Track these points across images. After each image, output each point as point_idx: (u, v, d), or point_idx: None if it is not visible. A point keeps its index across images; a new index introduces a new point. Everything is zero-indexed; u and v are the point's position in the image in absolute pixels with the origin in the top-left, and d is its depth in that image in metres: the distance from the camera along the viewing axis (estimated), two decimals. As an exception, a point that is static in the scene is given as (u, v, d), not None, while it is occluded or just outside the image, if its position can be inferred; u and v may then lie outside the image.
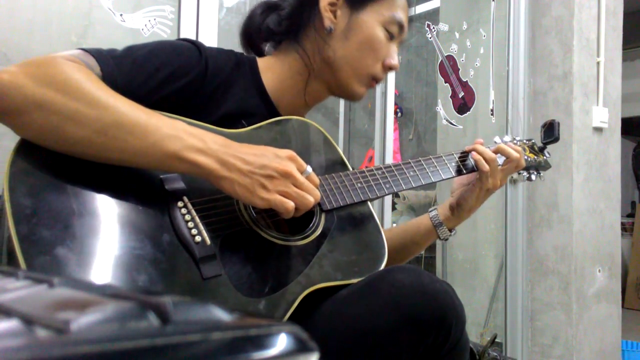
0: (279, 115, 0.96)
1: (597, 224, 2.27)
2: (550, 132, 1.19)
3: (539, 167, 1.19)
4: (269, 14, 1.00)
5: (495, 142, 1.13)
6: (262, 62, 0.97)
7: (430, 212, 1.10)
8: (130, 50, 0.81)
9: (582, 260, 2.19)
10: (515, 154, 1.05)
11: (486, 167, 1.03)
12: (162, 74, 0.81)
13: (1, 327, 0.24)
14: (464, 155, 1.07)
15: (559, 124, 1.18)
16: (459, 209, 1.07)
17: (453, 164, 1.05)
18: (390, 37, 0.95)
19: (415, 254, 1.14)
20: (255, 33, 1.01)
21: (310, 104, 1.01)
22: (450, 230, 1.08)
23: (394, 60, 0.96)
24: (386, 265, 1.07)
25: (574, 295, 2.15)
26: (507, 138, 1.19)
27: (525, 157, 1.15)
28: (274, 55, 0.99)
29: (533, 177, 1.18)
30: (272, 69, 0.96)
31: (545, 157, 1.21)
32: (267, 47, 1.04)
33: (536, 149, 1.21)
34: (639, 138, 5.82)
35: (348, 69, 0.94)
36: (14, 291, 0.30)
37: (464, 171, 1.05)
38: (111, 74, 0.76)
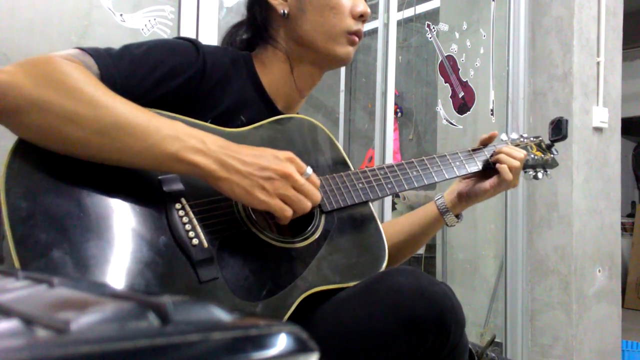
0: (276, 108, 0.96)
1: (597, 224, 2.26)
2: (558, 129, 1.18)
3: (545, 165, 1.18)
4: (238, 31, 1.03)
5: (502, 140, 1.13)
6: (255, 57, 0.97)
7: (437, 200, 1.09)
8: (127, 49, 0.81)
9: (582, 260, 2.19)
10: (515, 163, 1.03)
11: (510, 175, 1.02)
12: (159, 72, 0.80)
13: (1, 327, 0.24)
14: (469, 156, 1.05)
15: (567, 121, 1.18)
16: (468, 200, 1.06)
17: (457, 163, 1.03)
18: None
19: (423, 244, 1.13)
20: (234, 45, 1.04)
21: (305, 92, 1.00)
22: (457, 217, 1.08)
23: (360, 7, 0.94)
24: (394, 258, 1.07)
25: (574, 295, 2.14)
26: (514, 135, 1.17)
27: (532, 156, 1.14)
28: (261, 50, 0.99)
29: (540, 175, 1.17)
30: (263, 64, 0.97)
31: (552, 155, 1.19)
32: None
33: (543, 146, 1.19)
34: (639, 138, 5.82)
35: (320, 37, 0.93)
36: (14, 291, 0.30)
37: (469, 172, 1.04)
38: (109, 73, 0.76)
